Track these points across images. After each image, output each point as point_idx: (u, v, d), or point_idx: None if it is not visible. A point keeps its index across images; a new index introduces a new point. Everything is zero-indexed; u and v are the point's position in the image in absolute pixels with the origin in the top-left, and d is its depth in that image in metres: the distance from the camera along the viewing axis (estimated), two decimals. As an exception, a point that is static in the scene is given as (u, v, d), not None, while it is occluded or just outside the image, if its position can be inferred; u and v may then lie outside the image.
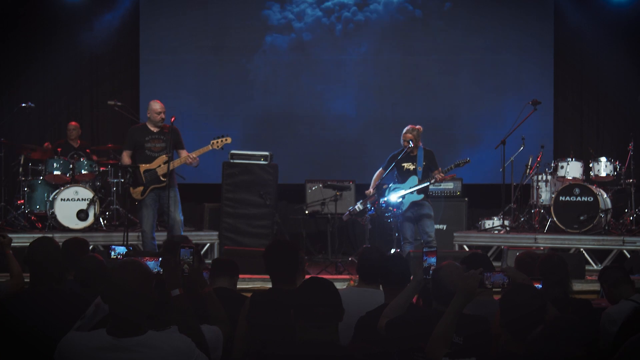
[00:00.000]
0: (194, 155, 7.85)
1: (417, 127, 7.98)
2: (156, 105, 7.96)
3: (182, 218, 7.97)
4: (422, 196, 7.88)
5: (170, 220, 7.88)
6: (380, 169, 8.10)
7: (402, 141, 7.94)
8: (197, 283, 3.76)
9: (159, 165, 7.80)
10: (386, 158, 8.08)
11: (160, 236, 8.15)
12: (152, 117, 7.94)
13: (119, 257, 3.89)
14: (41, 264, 3.78)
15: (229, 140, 7.91)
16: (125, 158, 8.03)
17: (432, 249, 4.13)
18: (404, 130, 7.95)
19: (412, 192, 7.86)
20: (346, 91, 10.89)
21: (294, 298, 2.98)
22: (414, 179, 7.87)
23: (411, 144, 7.82)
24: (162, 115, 7.92)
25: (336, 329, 2.95)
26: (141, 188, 7.86)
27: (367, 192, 8.14)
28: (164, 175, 7.79)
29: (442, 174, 7.79)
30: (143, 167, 7.87)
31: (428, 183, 7.87)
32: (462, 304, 3.27)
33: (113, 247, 3.99)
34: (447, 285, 3.57)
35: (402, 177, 7.96)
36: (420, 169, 7.88)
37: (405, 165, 7.94)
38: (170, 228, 7.93)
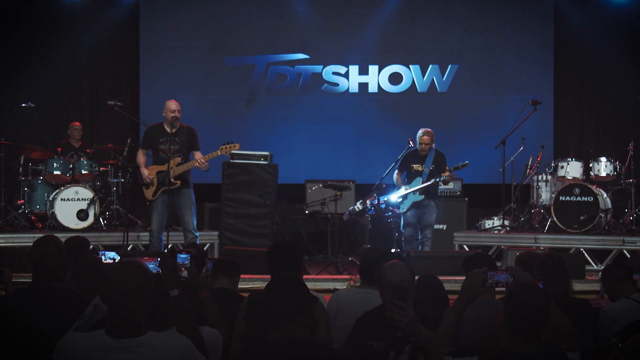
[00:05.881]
0: (203, 160, 7.76)
1: (430, 130, 8.15)
2: (171, 105, 7.89)
3: (194, 222, 7.97)
4: (422, 197, 7.94)
5: (182, 224, 8.00)
6: (396, 171, 8.25)
7: (417, 144, 8.03)
8: (195, 287, 3.76)
9: (171, 168, 7.77)
10: (396, 160, 8.22)
11: (176, 236, 8.41)
12: (167, 116, 7.88)
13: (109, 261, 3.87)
14: (44, 262, 3.80)
15: (237, 146, 7.91)
16: (140, 157, 8.02)
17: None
18: (421, 133, 8.08)
19: (413, 193, 7.91)
20: (346, 91, 10.89)
21: (263, 297, 2.96)
22: (418, 181, 7.97)
23: (426, 147, 8.02)
24: (176, 114, 7.81)
25: (307, 325, 2.89)
26: (153, 189, 7.88)
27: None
28: (175, 178, 7.79)
29: (448, 175, 7.90)
30: (156, 168, 7.88)
31: (428, 183, 7.91)
32: (465, 302, 3.25)
33: (103, 252, 3.98)
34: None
35: (410, 178, 8.09)
36: (427, 170, 8.01)
37: (415, 166, 8.11)
38: (184, 231, 8.02)
